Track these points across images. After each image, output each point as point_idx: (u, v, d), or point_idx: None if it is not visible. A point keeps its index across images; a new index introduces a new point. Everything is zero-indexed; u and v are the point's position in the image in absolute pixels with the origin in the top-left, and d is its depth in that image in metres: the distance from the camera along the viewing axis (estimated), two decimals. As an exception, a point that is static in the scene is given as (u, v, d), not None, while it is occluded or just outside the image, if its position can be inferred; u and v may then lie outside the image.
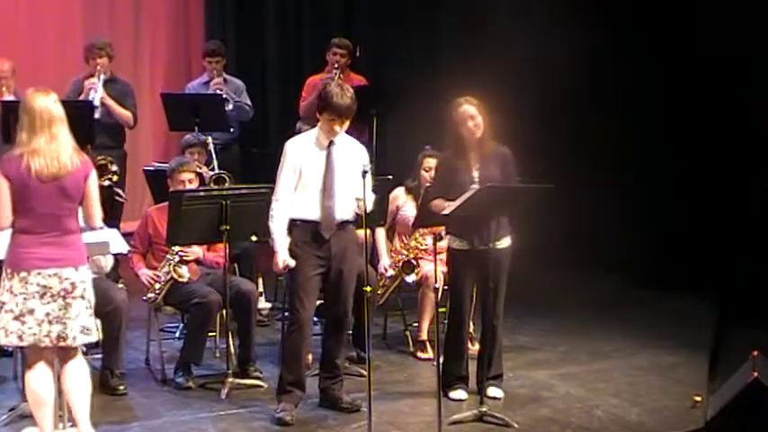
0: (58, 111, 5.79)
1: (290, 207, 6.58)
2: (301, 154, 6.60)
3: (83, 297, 5.82)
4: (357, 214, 6.61)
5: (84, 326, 5.84)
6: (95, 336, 6.02)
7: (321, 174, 6.57)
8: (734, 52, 9.27)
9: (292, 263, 6.53)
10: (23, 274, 5.71)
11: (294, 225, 6.60)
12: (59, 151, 5.73)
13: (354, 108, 6.61)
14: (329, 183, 6.56)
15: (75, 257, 5.81)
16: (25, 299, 5.72)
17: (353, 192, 6.48)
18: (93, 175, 5.91)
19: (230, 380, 7.07)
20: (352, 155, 6.65)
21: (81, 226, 5.91)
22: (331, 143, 6.60)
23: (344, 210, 6.62)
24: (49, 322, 5.75)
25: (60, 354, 5.90)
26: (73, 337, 5.81)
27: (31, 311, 5.72)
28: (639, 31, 10.03)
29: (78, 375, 5.92)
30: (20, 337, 5.75)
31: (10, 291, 5.72)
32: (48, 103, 5.76)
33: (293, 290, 6.66)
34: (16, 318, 5.73)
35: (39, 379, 5.83)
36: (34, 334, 5.74)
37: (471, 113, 6.77)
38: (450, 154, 6.90)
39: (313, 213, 6.58)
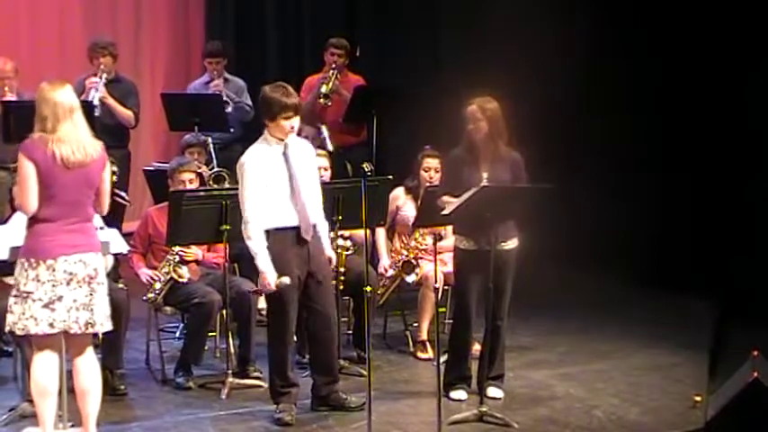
0: (76, 101, 5.88)
1: (262, 221, 6.50)
2: (262, 165, 6.53)
3: (103, 283, 5.89)
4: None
5: (107, 312, 5.91)
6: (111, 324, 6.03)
7: (286, 178, 6.53)
8: (734, 52, 9.26)
9: (288, 280, 6.46)
10: (50, 261, 5.75)
11: (272, 235, 6.52)
12: (83, 139, 5.83)
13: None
14: (296, 185, 6.54)
15: (95, 243, 5.90)
16: (54, 286, 5.75)
17: (315, 188, 6.60)
18: (108, 164, 6.02)
19: (230, 380, 7.08)
20: (303, 152, 6.67)
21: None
22: (285, 146, 6.57)
23: (314, 208, 6.60)
24: (77, 309, 5.79)
25: (72, 348, 5.92)
26: (100, 323, 5.88)
27: (60, 298, 5.76)
28: (639, 31, 10.02)
29: (94, 374, 5.95)
30: (51, 325, 5.77)
31: (36, 279, 5.75)
32: (66, 93, 5.84)
33: (275, 297, 6.57)
34: (45, 305, 5.75)
35: (45, 369, 5.83)
36: (64, 321, 5.78)
37: (474, 116, 6.74)
38: (459, 150, 6.87)
39: (291, 219, 6.53)
